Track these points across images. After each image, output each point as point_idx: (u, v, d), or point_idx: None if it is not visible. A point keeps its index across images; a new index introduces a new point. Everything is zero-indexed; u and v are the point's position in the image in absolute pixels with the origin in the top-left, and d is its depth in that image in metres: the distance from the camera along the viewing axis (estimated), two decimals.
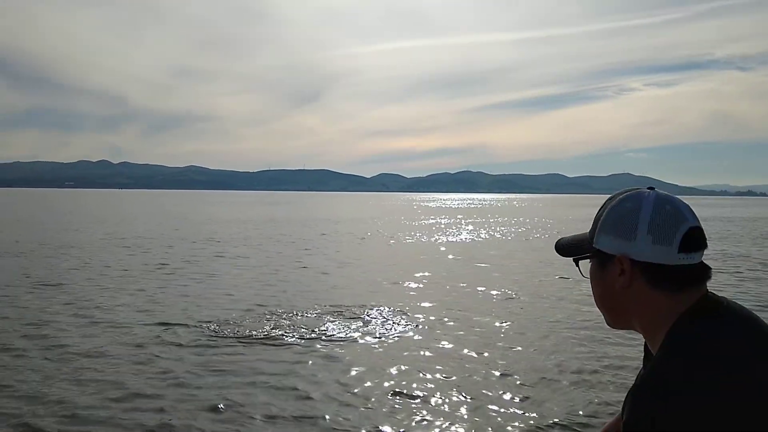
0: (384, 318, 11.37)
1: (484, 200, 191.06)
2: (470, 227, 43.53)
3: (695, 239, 1.37)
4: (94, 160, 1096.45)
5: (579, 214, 67.05)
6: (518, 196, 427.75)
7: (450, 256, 23.37)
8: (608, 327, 1.56)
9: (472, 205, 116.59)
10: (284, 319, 11.11)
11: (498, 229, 41.70)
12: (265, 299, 13.08)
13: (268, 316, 11.28)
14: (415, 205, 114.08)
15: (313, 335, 9.96)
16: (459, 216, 64.59)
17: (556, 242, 1.61)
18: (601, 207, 1.49)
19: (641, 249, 1.36)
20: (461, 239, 32.70)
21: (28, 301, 12.64)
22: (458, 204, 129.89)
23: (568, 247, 1.57)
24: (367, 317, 11.36)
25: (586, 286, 1.54)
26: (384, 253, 24.49)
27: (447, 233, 36.93)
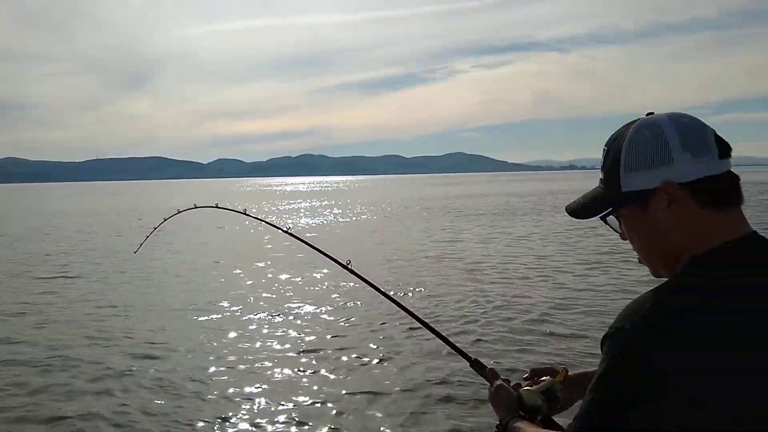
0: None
1: (332, 183, 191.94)
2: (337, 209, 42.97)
3: (723, 143, 1.28)
4: None
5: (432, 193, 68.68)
6: (359, 177, 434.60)
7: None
8: None
9: (329, 188, 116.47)
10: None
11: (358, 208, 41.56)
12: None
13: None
14: (268, 190, 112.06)
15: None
16: (317, 199, 63.77)
17: (567, 207, 1.45)
18: (608, 152, 1.34)
19: (684, 169, 1.24)
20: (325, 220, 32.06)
21: None
22: (311, 187, 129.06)
23: (587, 206, 1.40)
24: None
25: None
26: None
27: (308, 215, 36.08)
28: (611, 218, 1.37)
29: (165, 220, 3.93)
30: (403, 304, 2.19)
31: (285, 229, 3.12)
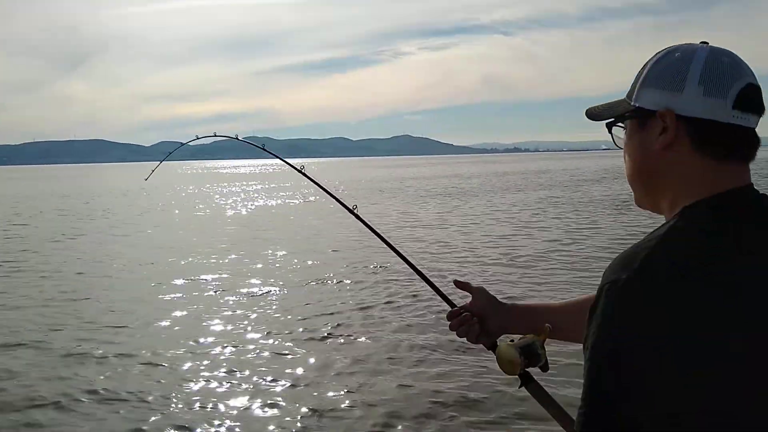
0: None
1: (279, 165, 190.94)
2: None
3: (753, 98, 1.16)
4: None
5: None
6: (307, 160, 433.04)
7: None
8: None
9: (278, 171, 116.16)
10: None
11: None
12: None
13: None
14: (216, 173, 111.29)
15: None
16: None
17: (587, 109, 1.41)
18: (644, 64, 1.27)
19: (689, 102, 1.16)
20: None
21: None
22: (261, 169, 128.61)
23: (601, 111, 1.36)
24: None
25: None
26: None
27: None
28: (617, 129, 1.32)
29: (182, 144, 3.92)
30: (402, 253, 2.21)
31: (299, 168, 3.12)
